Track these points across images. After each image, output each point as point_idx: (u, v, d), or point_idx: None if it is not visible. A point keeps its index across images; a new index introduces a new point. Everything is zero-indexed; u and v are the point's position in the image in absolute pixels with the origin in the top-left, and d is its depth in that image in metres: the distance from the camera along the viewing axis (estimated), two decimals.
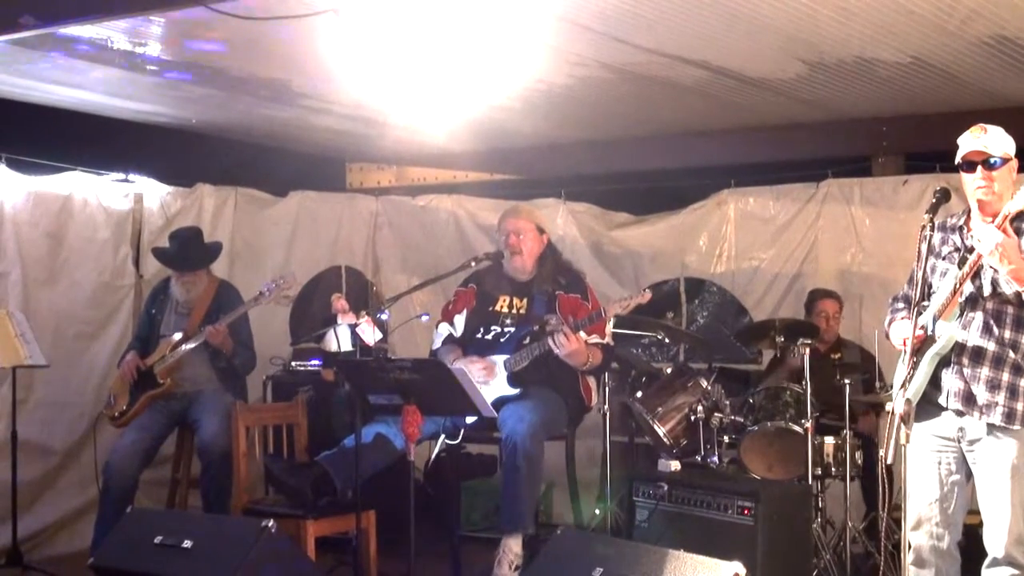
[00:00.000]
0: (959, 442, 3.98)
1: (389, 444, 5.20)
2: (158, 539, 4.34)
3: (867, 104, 6.19)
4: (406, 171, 8.39)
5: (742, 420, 5.73)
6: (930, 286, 4.01)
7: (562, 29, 4.75)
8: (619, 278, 7.51)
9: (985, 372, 3.89)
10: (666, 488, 5.08)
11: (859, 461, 5.67)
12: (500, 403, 5.23)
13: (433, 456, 5.48)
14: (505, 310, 5.56)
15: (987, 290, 3.90)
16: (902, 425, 3.68)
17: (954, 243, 4.05)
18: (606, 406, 6.10)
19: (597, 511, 6.21)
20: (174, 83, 5.79)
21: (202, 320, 5.98)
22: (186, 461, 6.12)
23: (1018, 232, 3.87)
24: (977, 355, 3.91)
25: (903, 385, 3.88)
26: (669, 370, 6.06)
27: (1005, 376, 3.88)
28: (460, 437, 5.33)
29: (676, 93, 5.89)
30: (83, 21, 4.51)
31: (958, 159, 3.95)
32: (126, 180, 7.00)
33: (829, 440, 5.62)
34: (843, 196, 7.02)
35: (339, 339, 5.30)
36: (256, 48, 5.11)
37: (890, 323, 4.22)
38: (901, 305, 4.22)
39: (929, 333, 3.94)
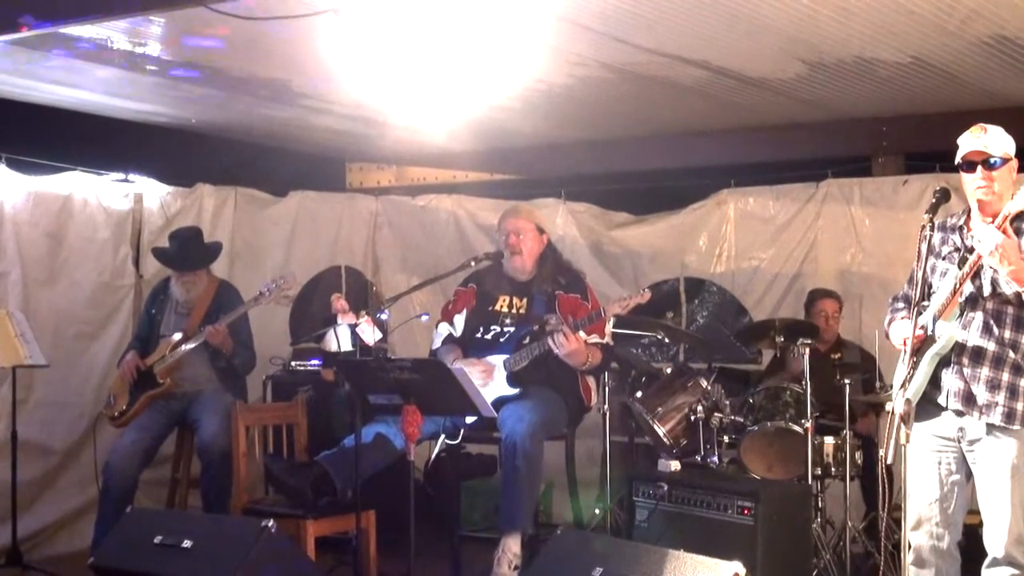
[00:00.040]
0: (959, 442, 3.98)
1: (389, 444, 5.20)
2: (158, 539, 4.34)
3: (867, 104, 6.19)
4: (406, 171, 8.39)
5: (742, 420, 5.73)
6: (930, 286, 4.01)
7: (562, 29, 4.75)
8: (619, 278, 7.51)
9: (985, 372, 3.90)
10: (666, 488, 5.08)
11: (859, 461, 5.67)
12: (500, 403, 5.23)
13: (433, 456, 5.48)
14: (505, 310, 5.56)
15: (987, 290, 3.90)
16: (902, 425, 3.69)
17: (954, 243, 4.05)
18: (606, 406, 6.11)
19: (597, 511, 6.21)
20: (174, 83, 5.79)
21: (202, 320, 5.98)
22: (186, 461, 6.12)
23: (1018, 232, 3.87)
24: (977, 355, 3.91)
25: (903, 385, 3.88)
26: (669, 370, 6.06)
27: (1005, 376, 3.88)
28: (460, 437, 5.33)
29: (676, 93, 5.89)
30: (83, 21, 4.51)
31: (958, 159, 3.95)
32: (126, 180, 7.00)
33: (829, 440, 5.62)
34: (843, 196, 7.02)
35: (339, 339, 5.30)
36: (256, 48, 5.11)
37: (890, 323, 4.22)
38: (901, 305, 4.22)
39: (929, 333, 3.94)
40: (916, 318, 3.87)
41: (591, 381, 5.60)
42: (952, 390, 3.94)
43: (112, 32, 4.86)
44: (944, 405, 3.97)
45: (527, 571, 4.65)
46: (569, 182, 7.77)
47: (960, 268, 3.89)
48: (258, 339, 6.26)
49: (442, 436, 5.32)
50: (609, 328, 5.55)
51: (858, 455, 5.65)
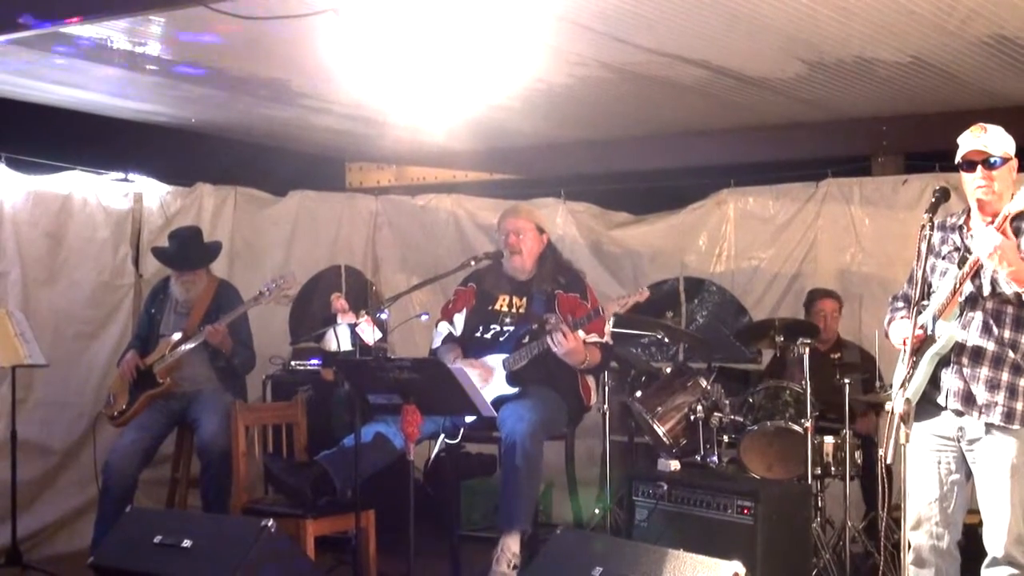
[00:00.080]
0: (959, 441, 3.98)
1: (389, 444, 5.20)
2: (158, 538, 4.34)
3: (867, 104, 6.19)
4: (406, 171, 8.39)
5: (742, 420, 5.73)
6: (930, 285, 4.01)
7: (562, 29, 4.75)
8: (619, 278, 7.51)
9: (984, 372, 3.90)
10: (666, 488, 5.08)
11: (859, 461, 5.66)
12: (499, 402, 5.23)
13: (432, 456, 5.47)
14: (504, 309, 5.56)
15: (987, 290, 3.91)
16: (902, 424, 3.69)
17: (954, 242, 4.05)
18: (606, 405, 6.11)
19: (597, 511, 6.21)
20: (174, 83, 5.79)
21: (201, 320, 5.98)
22: (185, 460, 6.12)
23: (1017, 232, 3.87)
24: (977, 355, 3.91)
25: (903, 384, 3.88)
26: (669, 370, 6.06)
27: (1005, 376, 3.88)
28: (460, 436, 5.33)
29: (676, 93, 5.89)
30: (83, 20, 4.51)
31: (958, 159, 3.95)
32: (126, 179, 6.99)
33: (829, 440, 5.62)
34: (843, 196, 7.02)
35: (339, 339, 5.30)
36: (256, 48, 5.11)
37: (889, 322, 4.22)
38: (901, 304, 4.22)
39: (929, 333, 3.94)
40: (916, 317, 3.87)
41: (591, 381, 5.60)
42: (952, 390, 3.94)
43: (112, 32, 4.85)
44: (944, 405, 3.97)
45: (527, 571, 4.65)
46: (569, 182, 7.77)
47: (960, 268, 3.89)
48: (258, 339, 6.26)
49: (442, 436, 5.32)
50: (609, 328, 5.55)
51: (858, 455, 5.65)
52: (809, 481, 5.44)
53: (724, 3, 4.43)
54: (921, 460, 4.00)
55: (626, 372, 6.35)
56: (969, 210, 4.05)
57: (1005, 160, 3.91)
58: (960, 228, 4.06)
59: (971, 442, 3.94)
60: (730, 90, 5.83)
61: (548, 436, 5.27)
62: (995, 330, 3.89)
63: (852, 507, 5.68)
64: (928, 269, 3.98)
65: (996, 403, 3.87)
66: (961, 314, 3.93)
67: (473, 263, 5.60)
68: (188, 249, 6.14)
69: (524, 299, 5.53)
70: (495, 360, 5.40)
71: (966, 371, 3.92)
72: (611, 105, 6.24)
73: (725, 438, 5.71)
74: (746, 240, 7.31)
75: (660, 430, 5.60)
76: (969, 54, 5.15)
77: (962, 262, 3.89)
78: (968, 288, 3.92)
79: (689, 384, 5.73)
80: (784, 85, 5.74)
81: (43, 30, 4.53)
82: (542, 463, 5.15)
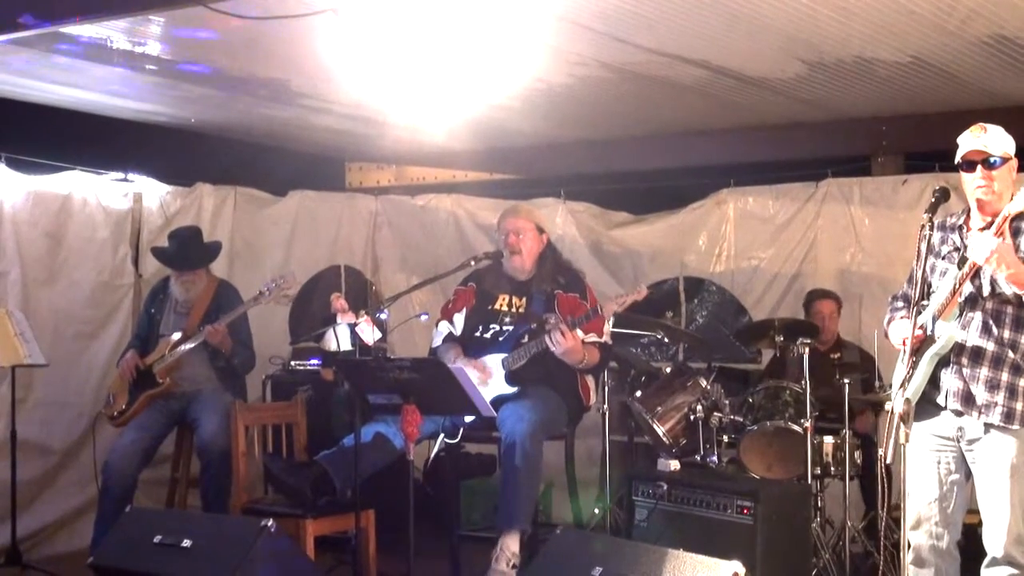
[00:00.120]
0: (958, 442, 3.98)
1: (388, 443, 5.20)
2: (157, 538, 4.34)
3: (866, 104, 6.19)
4: (405, 170, 8.39)
5: (741, 419, 5.73)
6: (929, 285, 4.01)
7: (562, 29, 4.75)
8: (618, 278, 7.51)
9: (984, 372, 3.90)
10: (665, 487, 5.08)
11: (858, 460, 5.66)
12: (498, 402, 5.23)
13: (432, 455, 5.47)
14: (504, 309, 5.56)
15: (986, 290, 3.91)
16: (901, 424, 3.69)
17: (953, 242, 4.05)
18: (605, 405, 6.11)
19: (596, 510, 6.21)
20: (174, 83, 5.79)
21: (201, 319, 5.98)
22: (185, 460, 6.12)
23: (1017, 232, 3.87)
24: (976, 355, 3.91)
25: (902, 384, 3.88)
26: (668, 369, 6.06)
27: (1004, 376, 3.88)
28: (459, 436, 5.33)
29: (676, 93, 5.89)
30: (83, 20, 4.51)
31: (958, 158, 3.95)
32: (125, 179, 6.99)
33: (828, 440, 5.62)
34: (842, 196, 7.02)
35: (338, 338, 5.30)
36: (256, 48, 5.11)
37: (889, 322, 4.22)
38: (900, 304, 4.22)
39: (928, 333, 3.94)
40: (915, 317, 3.87)
41: (590, 381, 5.60)
42: (951, 390, 3.94)
43: (112, 32, 4.85)
44: (943, 405, 3.97)
45: (526, 570, 4.65)
46: (569, 181, 7.77)
47: (960, 268, 3.89)
48: (257, 338, 6.26)
49: (441, 435, 5.32)
50: (608, 327, 5.55)
51: (857, 455, 5.65)
52: (809, 481, 5.44)
53: (724, 3, 4.43)
54: (921, 460, 4.00)
55: (626, 372, 6.35)
56: (969, 210, 4.05)
57: (1005, 160, 3.91)
58: (960, 228, 4.06)
59: (971, 442, 3.94)
60: (730, 90, 5.83)
61: (548, 436, 5.27)
62: (995, 330, 3.89)
63: (852, 507, 5.68)
64: (928, 269, 3.98)
65: (996, 403, 3.87)
66: (961, 314, 3.93)
67: (473, 263, 5.60)
68: (188, 249, 6.14)
69: (524, 299, 5.54)
70: (494, 360, 5.40)
71: (966, 371, 3.92)
72: (611, 105, 6.25)
73: (725, 438, 5.71)
74: (746, 240, 7.31)
75: (660, 430, 5.60)
76: (969, 54, 5.15)
77: (962, 262, 3.89)
78: (968, 288, 3.92)
79: (689, 384, 5.73)
80: (784, 85, 5.74)
81: (43, 30, 4.53)
82: (542, 463, 5.16)
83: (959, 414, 3.94)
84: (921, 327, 3.93)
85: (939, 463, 4.01)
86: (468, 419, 5.15)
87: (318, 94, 6.03)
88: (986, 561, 3.95)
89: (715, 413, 5.62)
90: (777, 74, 5.54)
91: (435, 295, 7.01)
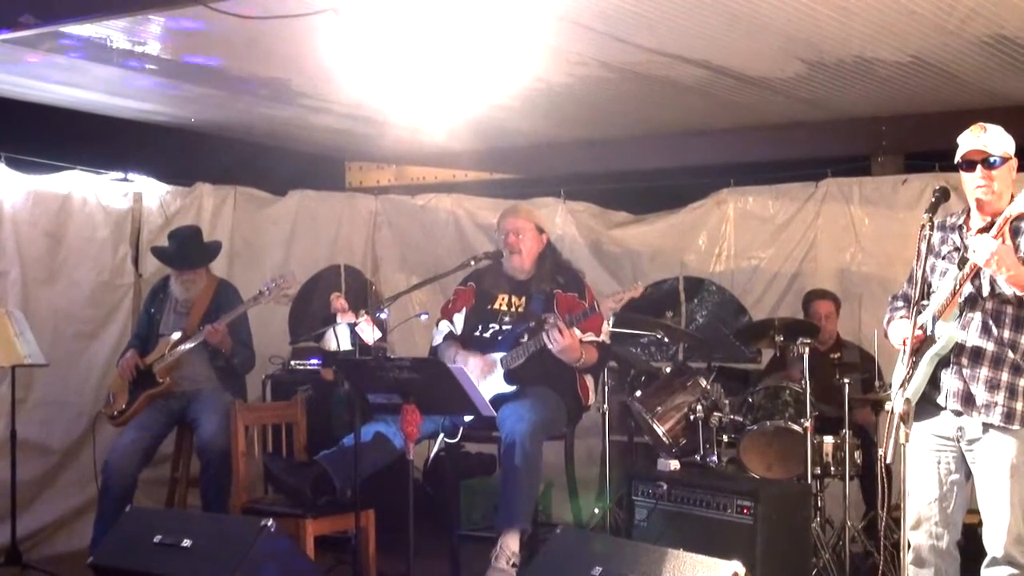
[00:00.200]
0: (958, 441, 3.98)
1: (388, 443, 5.20)
2: (157, 538, 4.34)
3: (866, 103, 6.19)
4: (405, 170, 8.39)
5: (741, 419, 5.73)
6: (929, 285, 4.01)
7: (562, 29, 4.75)
8: (618, 277, 7.51)
9: (984, 372, 3.90)
10: (665, 487, 5.08)
11: (858, 460, 5.66)
12: (497, 401, 5.23)
13: (432, 455, 5.48)
14: (504, 308, 5.57)
15: (986, 290, 3.91)
16: (901, 424, 3.69)
17: (953, 242, 4.05)
18: (605, 405, 6.11)
19: (596, 510, 6.21)
20: (174, 83, 5.79)
21: (201, 319, 5.98)
22: (185, 460, 6.12)
23: (1017, 232, 3.87)
24: (976, 355, 3.91)
25: (902, 384, 3.88)
26: (668, 369, 6.06)
27: (1004, 376, 3.88)
28: (459, 436, 5.33)
29: (676, 92, 5.89)
30: (83, 20, 4.51)
31: (957, 158, 3.95)
32: (125, 179, 6.99)
33: (828, 439, 5.62)
34: (842, 195, 7.02)
35: (338, 338, 5.30)
36: (256, 48, 5.11)
37: (889, 322, 4.23)
38: (900, 304, 4.22)
39: (928, 333, 3.94)
40: (915, 317, 3.87)
41: (589, 380, 5.60)
42: (951, 390, 3.95)
43: (112, 31, 4.85)
44: (943, 405, 3.97)
45: (526, 570, 4.65)
46: (568, 181, 7.77)
47: (960, 268, 3.89)
48: (257, 338, 6.26)
49: (441, 435, 5.32)
50: (608, 327, 5.55)
51: (857, 454, 5.65)
52: (809, 481, 5.44)
53: (724, 3, 4.43)
54: (921, 460, 4.00)
55: (626, 372, 6.35)
56: (969, 210, 4.05)
57: (1005, 160, 3.91)
58: (960, 228, 4.06)
59: (971, 442, 3.94)
60: (730, 90, 5.83)
61: (548, 436, 5.27)
62: (994, 330, 3.89)
63: (852, 507, 5.68)
64: (928, 269, 3.98)
65: (996, 403, 3.87)
66: (960, 315, 3.94)
67: (473, 263, 5.60)
68: (188, 248, 6.14)
69: (523, 298, 5.54)
70: (495, 358, 5.41)
71: (966, 371, 3.92)
72: (611, 105, 6.24)
73: (725, 438, 5.71)
74: (746, 240, 7.31)
75: (660, 430, 5.61)
76: (969, 54, 5.15)
77: (962, 262, 3.89)
78: (967, 289, 3.92)
79: (689, 384, 5.73)
80: (784, 85, 5.73)
81: (43, 30, 4.53)
82: (542, 463, 5.16)
83: (959, 414, 3.94)
84: (921, 327, 3.93)
85: (939, 463, 4.01)
86: (468, 419, 5.15)
87: (318, 94, 6.02)
88: (986, 561, 3.95)
89: (715, 413, 5.62)
90: (777, 74, 5.54)
91: (435, 295, 7.01)
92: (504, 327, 5.50)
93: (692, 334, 6.73)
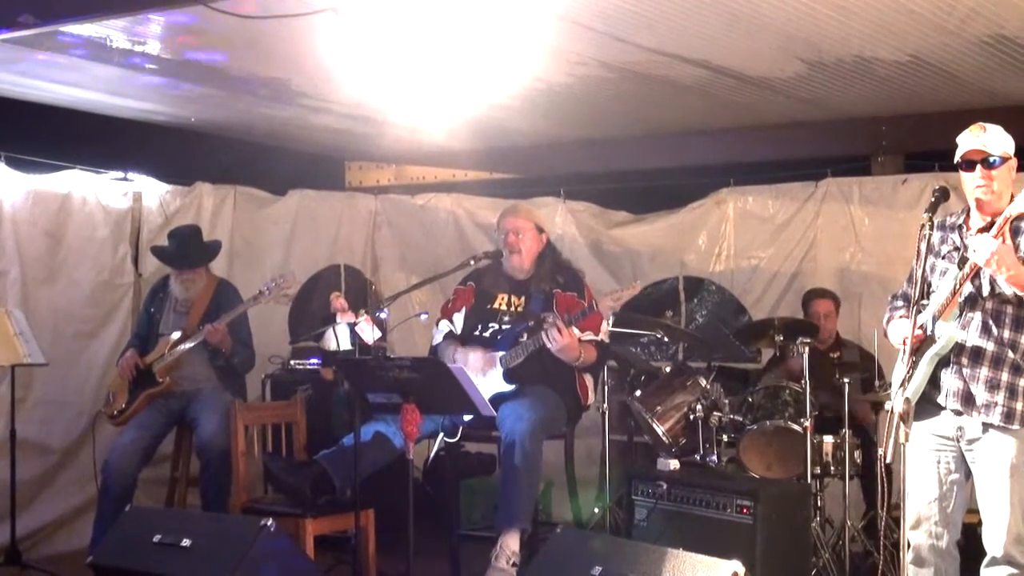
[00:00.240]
0: (958, 441, 3.98)
1: (388, 443, 5.20)
2: (157, 538, 4.34)
3: (866, 103, 6.19)
4: (405, 170, 8.39)
5: (741, 419, 5.73)
6: (929, 285, 4.01)
7: (562, 28, 4.75)
8: (618, 277, 7.51)
9: (984, 372, 3.90)
10: (665, 487, 5.08)
11: (858, 460, 5.66)
12: (497, 400, 5.23)
13: (432, 455, 5.48)
14: (503, 308, 5.57)
15: (986, 290, 3.91)
16: (901, 424, 3.69)
17: (953, 242, 4.05)
18: (605, 405, 6.11)
19: (596, 510, 6.21)
20: (174, 83, 5.79)
21: (201, 319, 5.98)
22: (185, 460, 6.12)
23: (1017, 232, 3.87)
24: (976, 355, 3.91)
25: (902, 384, 3.88)
26: (668, 369, 6.05)
27: (1004, 376, 3.88)
28: (459, 435, 5.33)
29: (676, 92, 5.89)
30: (83, 20, 4.51)
31: (957, 158, 3.96)
32: (125, 179, 6.99)
33: (828, 439, 5.62)
34: (842, 195, 7.02)
35: (338, 338, 5.30)
36: (256, 47, 5.11)
37: (888, 321, 4.23)
38: (900, 303, 4.23)
39: (928, 333, 3.94)
40: (915, 317, 3.87)
41: (588, 380, 5.61)
42: (951, 390, 3.95)
43: (112, 31, 4.85)
44: (943, 405, 3.97)
45: (526, 569, 4.65)
46: (568, 181, 7.77)
47: (960, 268, 3.89)
48: (257, 338, 6.26)
49: (441, 435, 5.32)
50: (607, 326, 5.55)
51: (857, 454, 5.65)
52: (808, 480, 5.44)
53: (724, 3, 4.43)
54: (920, 460, 4.00)
55: (625, 371, 6.35)
56: (968, 209, 4.05)
57: (1004, 159, 3.91)
58: (960, 228, 4.06)
59: (970, 442, 3.94)
60: (730, 90, 5.83)
61: (548, 435, 5.28)
62: (995, 330, 3.90)
63: (851, 506, 5.68)
64: (928, 269, 3.98)
65: (996, 403, 3.87)
66: (960, 314, 3.94)
67: (472, 262, 5.60)
68: (187, 248, 6.14)
69: (523, 298, 5.54)
70: (495, 355, 5.41)
71: (966, 371, 3.92)
72: (611, 104, 6.24)
73: (724, 437, 5.71)
74: (745, 239, 7.31)
75: (659, 429, 5.60)
76: (969, 54, 5.15)
77: (962, 262, 3.89)
78: (968, 288, 3.92)
79: (688, 383, 5.73)
80: (784, 85, 5.73)
81: (43, 30, 4.52)
82: (541, 462, 5.16)
83: (959, 414, 3.94)
84: (921, 327, 3.93)
85: (939, 463, 4.01)
86: (467, 418, 5.15)
87: (318, 94, 6.02)
88: (986, 561, 3.95)
89: (715, 412, 5.62)
90: (777, 74, 5.54)
91: (435, 294, 7.01)
92: (504, 326, 5.50)
93: (692, 334, 6.73)
